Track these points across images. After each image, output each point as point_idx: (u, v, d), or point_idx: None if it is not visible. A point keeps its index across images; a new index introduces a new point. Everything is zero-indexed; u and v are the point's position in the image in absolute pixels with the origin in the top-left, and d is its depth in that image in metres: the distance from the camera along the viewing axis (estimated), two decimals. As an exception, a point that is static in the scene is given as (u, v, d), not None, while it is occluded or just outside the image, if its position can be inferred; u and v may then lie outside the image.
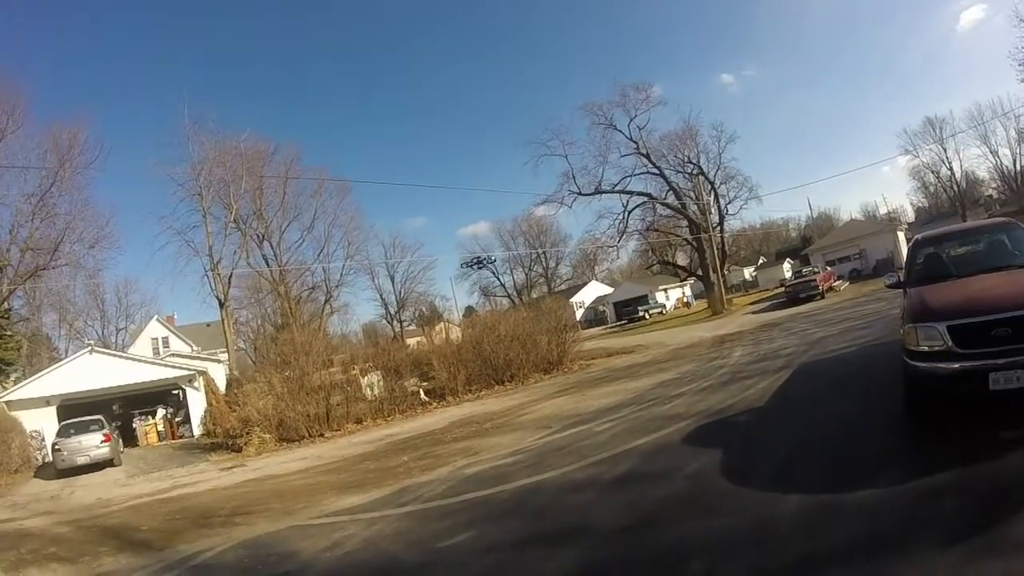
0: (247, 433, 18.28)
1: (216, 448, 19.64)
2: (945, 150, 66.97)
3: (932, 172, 71.34)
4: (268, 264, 44.33)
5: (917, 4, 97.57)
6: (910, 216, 79.36)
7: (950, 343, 5.36)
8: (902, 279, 7.91)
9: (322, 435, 18.01)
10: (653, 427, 9.03)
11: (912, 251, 8.09)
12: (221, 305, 38.00)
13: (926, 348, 5.57)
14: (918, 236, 8.62)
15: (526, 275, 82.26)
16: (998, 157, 67.00)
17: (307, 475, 12.05)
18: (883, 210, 79.75)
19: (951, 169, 68.81)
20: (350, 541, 6.44)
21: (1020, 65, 27.99)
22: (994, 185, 71.52)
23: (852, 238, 49.12)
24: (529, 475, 7.74)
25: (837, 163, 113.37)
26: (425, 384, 22.74)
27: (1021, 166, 65.58)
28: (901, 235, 47.75)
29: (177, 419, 27.60)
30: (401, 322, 68.62)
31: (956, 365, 5.31)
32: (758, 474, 5.79)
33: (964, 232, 8.80)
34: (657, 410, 10.60)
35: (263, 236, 44.67)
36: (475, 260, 61.47)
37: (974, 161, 69.61)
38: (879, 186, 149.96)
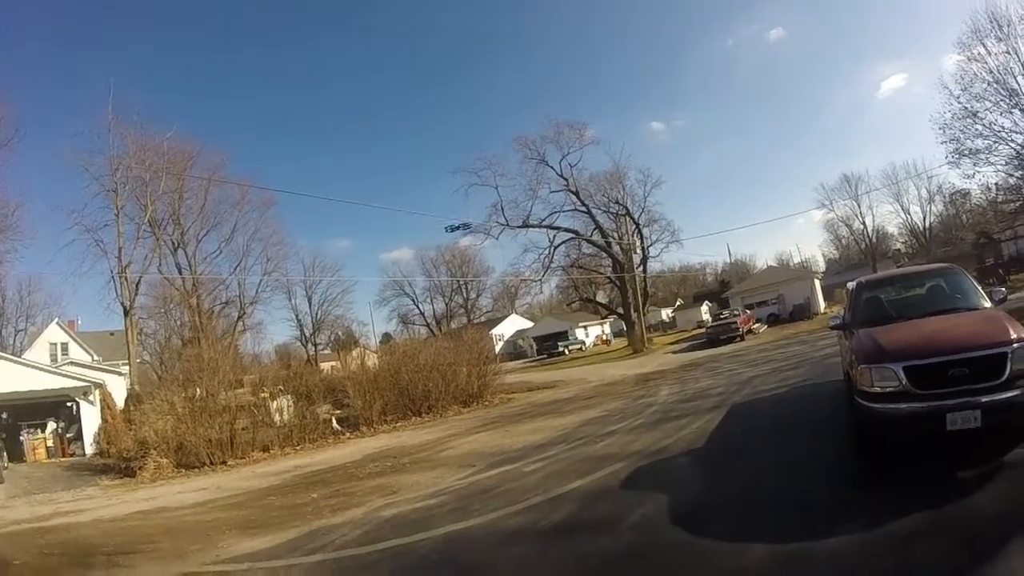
0: (143, 456, 16.56)
1: (108, 470, 17.78)
2: (859, 205, 71.71)
3: (846, 225, 76.17)
4: (181, 273, 41.70)
5: (840, 70, 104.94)
6: (821, 265, 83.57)
7: (906, 384, 5.37)
8: (846, 320, 7.86)
9: (224, 463, 16.42)
10: (586, 468, 8.46)
11: (856, 294, 8.03)
12: (126, 313, 35.07)
13: (879, 389, 5.56)
14: (861, 279, 8.62)
15: (446, 305, 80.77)
16: (909, 215, 72.10)
17: (204, 509, 10.70)
18: (796, 259, 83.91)
19: (864, 223, 73.52)
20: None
21: (940, 128, 30.58)
22: (902, 240, 76.86)
23: (770, 283, 50.81)
24: (455, 520, 6.89)
25: (756, 212, 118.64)
26: (338, 412, 21.32)
27: (930, 223, 70.92)
28: (818, 282, 49.99)
29: (69, 435, 24.76)
30: (316, 345, 66.45)
31: (914, 406, 5.32)
32: (712, 522, 5.31)
33: (907, 276, 8.88)
34: (588, 450, 10.05)
35: (178, 243, 41.86)
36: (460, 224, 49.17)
37: (886, 217, 74.49)
38: (793, 236, 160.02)
